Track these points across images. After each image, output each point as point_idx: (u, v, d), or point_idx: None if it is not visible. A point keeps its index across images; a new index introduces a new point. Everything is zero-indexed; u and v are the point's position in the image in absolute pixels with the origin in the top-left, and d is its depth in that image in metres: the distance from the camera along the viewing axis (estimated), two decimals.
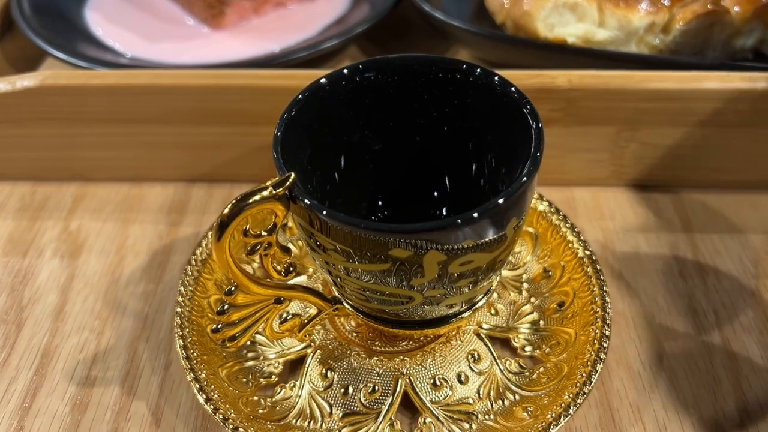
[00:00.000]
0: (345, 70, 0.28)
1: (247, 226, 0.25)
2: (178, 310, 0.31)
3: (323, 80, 0.27)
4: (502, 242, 0.25)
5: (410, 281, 0.25)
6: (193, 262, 0.33)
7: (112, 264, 0.36)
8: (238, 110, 0.37)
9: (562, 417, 0.26)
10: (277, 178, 0.24)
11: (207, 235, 0.34)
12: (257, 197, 0.24)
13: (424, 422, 0.28)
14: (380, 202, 0.33)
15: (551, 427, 0.26)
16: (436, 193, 0.32)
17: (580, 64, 0.39)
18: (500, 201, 0.23)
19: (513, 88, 0.26)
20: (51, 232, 0.38)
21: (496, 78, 0.27)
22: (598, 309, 0.30)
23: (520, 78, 0.36)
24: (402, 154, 0.32)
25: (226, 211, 0.23)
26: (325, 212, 0.23)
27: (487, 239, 0.24)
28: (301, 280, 0.34)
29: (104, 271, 0.36)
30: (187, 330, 0.30)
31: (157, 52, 0.47)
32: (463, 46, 0.47)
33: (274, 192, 0.24)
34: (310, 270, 0.34)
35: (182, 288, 0.32)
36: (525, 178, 0.24)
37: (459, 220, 0.23)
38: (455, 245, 0.23)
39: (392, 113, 0.30)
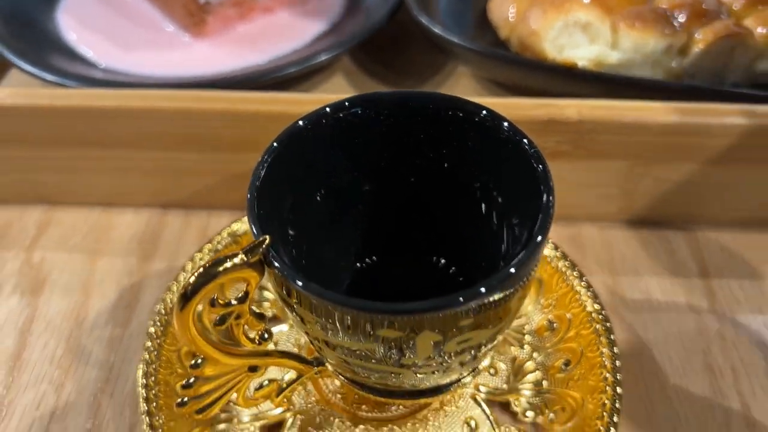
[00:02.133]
0: (328, 109, 0.25)
1: (215, 295, 0.22)
2: (143, 368, 0.28)
3: (301, 122, 0.24)
4: (507, 316, 0.22)
5: (400, 359, 0.22)
6: (162, 311, 0.30)
7: (77, 304, 0.33)
8: (217, 136, 0.34)
9: None
10: (250, 243, 0.21)
11: (178, 278, 0.31)
12: (228, 265, 0.21)
13: None
14: (372, 247, 0.30)
15: None
16: (432, 238, 0.29)
17: (589, 88, 0.36)
18: (511, 270, 0.20)
19: (525, 140, 0.23)
20: (11, 264, 0.35)
21: (505, 124, 0.24)
22: (608, 375, 0.27)
23: (525, 108, 0.33)
24: (395, 195, 0.28)
25: (192, 279, 0.20)
26: (301, 284, 0.20)
27: (489, 314, 0.21)
28: (278, 330, 0.31)
29: (68, 312, 0.33)
30: (153, 391, 0.27)
31: (133, 62, 0.43)
32: (463, 63, 0.43)
33: (246, 259, 0.21)
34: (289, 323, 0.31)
35: (149, 342, 0.29)
36: (538, 238, 0.21)
37: (461, 298, 0.19)
38: (453, 325, 0.20)
39: (384, 153, 0.27)
